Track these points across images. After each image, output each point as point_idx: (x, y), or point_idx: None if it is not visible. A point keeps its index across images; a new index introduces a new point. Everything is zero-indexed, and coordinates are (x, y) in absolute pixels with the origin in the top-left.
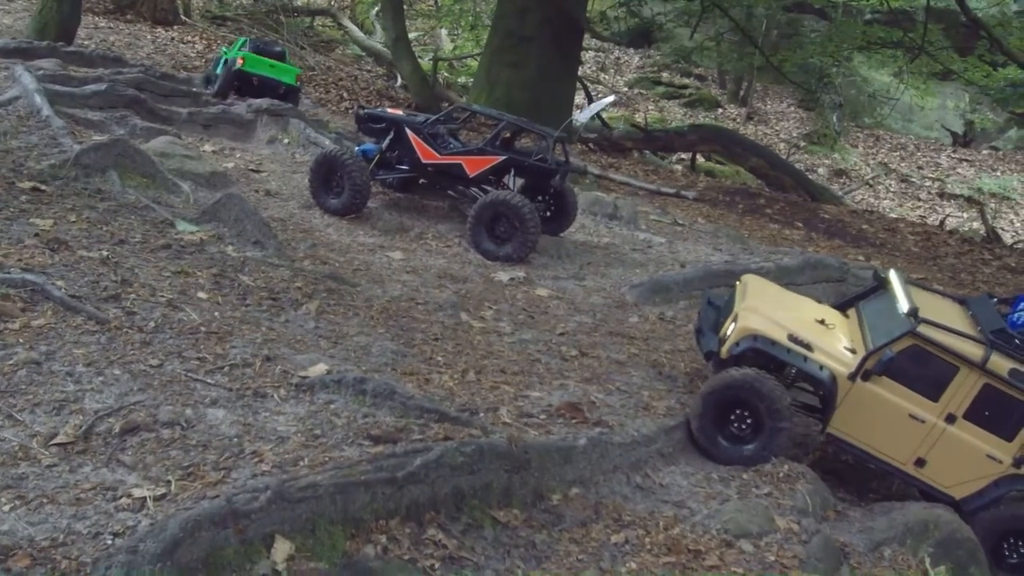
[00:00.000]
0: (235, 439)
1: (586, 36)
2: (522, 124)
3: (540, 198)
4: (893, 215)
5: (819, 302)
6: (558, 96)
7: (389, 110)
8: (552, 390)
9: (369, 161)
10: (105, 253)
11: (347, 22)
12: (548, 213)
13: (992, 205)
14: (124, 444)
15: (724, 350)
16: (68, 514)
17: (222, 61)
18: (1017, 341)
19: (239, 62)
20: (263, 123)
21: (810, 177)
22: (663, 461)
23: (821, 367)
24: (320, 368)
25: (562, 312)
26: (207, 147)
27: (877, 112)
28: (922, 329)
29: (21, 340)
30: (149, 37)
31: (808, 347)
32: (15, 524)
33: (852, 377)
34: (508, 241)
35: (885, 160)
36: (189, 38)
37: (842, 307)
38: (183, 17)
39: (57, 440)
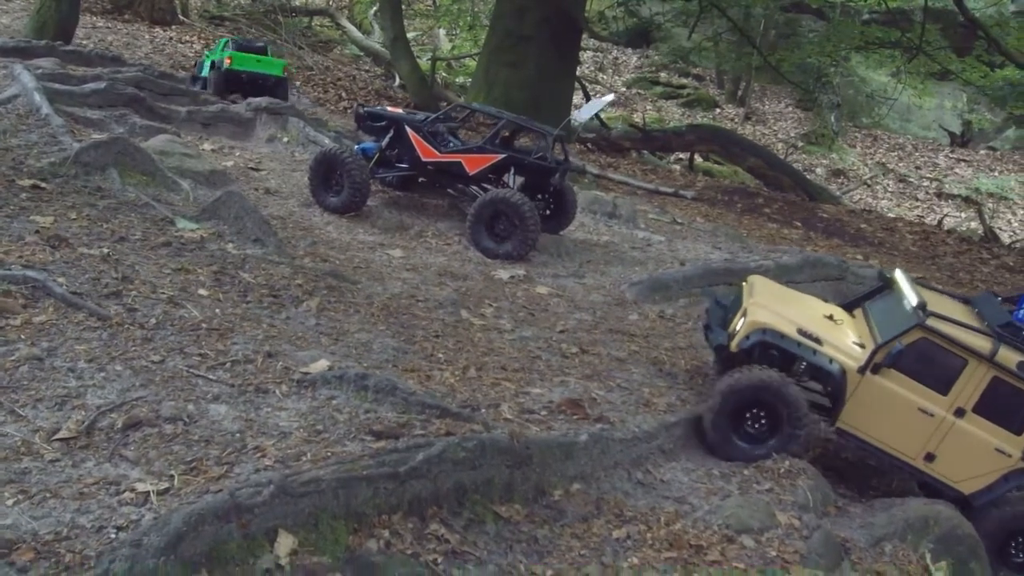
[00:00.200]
0: (237, 434)
1: (584, 36)
2: (522, 122)
3: (540, 196)
4: (891, 215)
5: (825, 301)
6: (556, 96)
7: (389, 108)
8: (553, 387)
9: (369, 159)
10: (106, 250)
11: (345, 22)
12: (548, 211)
13: (990, 205)
14: (127, 439)
15: (734, 344)
16: (71, 508)
17: (207, 64)
18: None
19: (227, 62)
20: (262, 122)
21: (808, 177)
22: (664, 457)
23: (831, 360)
24: (322, 364)
25: (562, 310)
26: (206, 145)
27: (875, 112)
28: (931, 322)
29: (23, 336)
30: (147, 37)
31: (818, 341)
32: (19, 518)
33: (862, 370)
34: (508, 239)
35: (883, 160)
36: (187, 38)
37: (848, 308)
38: (181, 17)
39: (60, 435)
